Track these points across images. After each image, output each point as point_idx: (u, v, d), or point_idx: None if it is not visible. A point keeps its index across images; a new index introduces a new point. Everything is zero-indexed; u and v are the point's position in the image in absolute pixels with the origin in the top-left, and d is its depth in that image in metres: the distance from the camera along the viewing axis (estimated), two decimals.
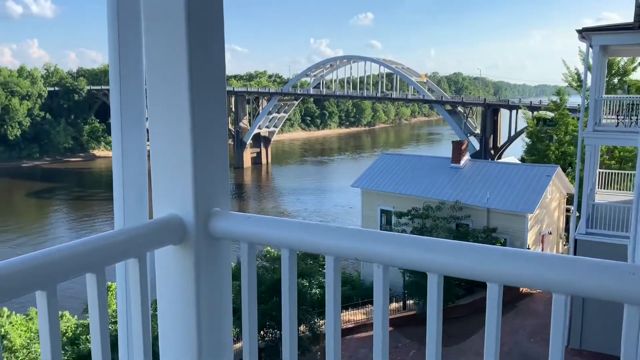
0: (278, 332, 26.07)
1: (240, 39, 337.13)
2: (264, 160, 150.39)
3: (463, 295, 32.26)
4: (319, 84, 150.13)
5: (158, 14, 2.06)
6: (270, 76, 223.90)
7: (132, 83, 2.37)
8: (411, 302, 33.15)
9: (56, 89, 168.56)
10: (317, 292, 28.16)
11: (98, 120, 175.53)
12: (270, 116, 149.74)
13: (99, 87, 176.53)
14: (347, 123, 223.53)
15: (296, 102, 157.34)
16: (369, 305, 31.67)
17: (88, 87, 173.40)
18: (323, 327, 29.09)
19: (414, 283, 31.58)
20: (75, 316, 36.47)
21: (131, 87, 2.37)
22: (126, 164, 2.40)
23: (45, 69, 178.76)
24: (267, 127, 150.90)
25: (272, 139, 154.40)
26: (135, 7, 2.28)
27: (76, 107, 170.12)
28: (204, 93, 2.07)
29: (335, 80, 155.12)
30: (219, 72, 2.15)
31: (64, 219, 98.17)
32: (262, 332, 26.84)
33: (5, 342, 25.84)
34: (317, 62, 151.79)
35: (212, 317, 2.17)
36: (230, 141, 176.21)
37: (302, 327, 27.08)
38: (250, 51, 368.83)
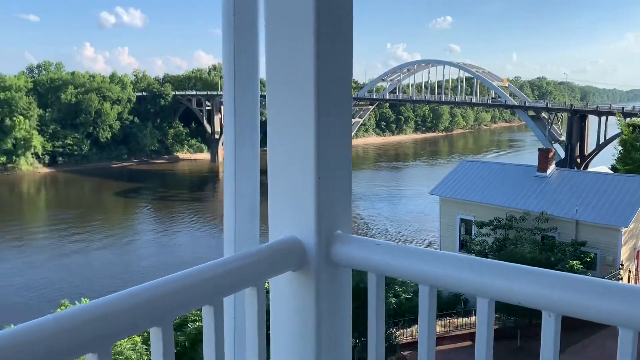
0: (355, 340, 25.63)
1: None
2: None
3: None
4: (395, 88, 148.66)
5: (283, 20, 1.88)
6: None
7: (247, 93, 2.16)
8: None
9: (144, 94, 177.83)
10: (392, 301, 27.53)
11: (182, 125, 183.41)
12: None
13: (183, 93, 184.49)
14: (424, 128, 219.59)
15: (371, 107, 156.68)
16: (446, 318, 30.59)
17: (173, 93, 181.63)
18: (399, 337, 28.33)
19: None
20: None
21: (246, 97, 2.16)
22: (239, 180, 2.19)
23: (134, 75, 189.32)
24: None
25: None
26: (252, 15, 2.10)
27: (162, 111, 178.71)
28: (331, 105, 1.88)
29: (412, 85, 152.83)
30: (345, 83, 1.95)
31: (148, 218, 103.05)
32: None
33: None
34: (393, 67, 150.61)
35: (331, 351, 1.94)
36: None
37: None
38: None
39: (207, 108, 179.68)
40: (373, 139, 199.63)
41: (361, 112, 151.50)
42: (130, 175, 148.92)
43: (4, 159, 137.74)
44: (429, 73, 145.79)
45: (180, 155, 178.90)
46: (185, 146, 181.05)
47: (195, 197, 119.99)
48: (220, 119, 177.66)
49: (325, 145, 1.88)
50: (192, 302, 1.65)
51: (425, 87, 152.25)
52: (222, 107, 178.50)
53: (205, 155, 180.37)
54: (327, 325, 1.91)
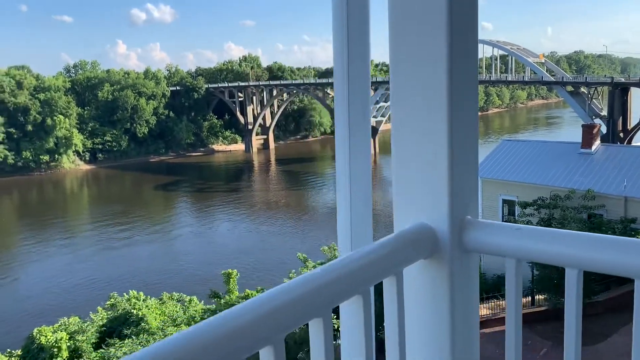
0: None
1: None
2: (371, 150, 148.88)
3: (599, 292, 29.70)
4: None
5: (411, 9, 1.83)
6: (377, 65, 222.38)
7: (360, 81, 2.12)
8: (541, 297, 31.14)
9: (177, 88, 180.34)
10: None
11: (216, 117, 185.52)
12: (378, 105, 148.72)
13: (215, 85, 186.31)
14: None
15: None
16: (493, 300, 30.19)
17: (206, 86, 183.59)
18: None
19: (545, 277, 29.61)
20: (202, 301, 38.66)
21: (358, 86, 2.12)
22: (353, 167, 2.14)
23: (167, 70, 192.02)
24: (375, 116, 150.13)
25: (379, 129, 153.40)
26: (363, 9, 2.08)
27: (196, 104, 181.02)
28: (462, 89, 1.83)
29: None
30: (473, 67, 1.91)
31: (188, 209, 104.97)
32: None
33: (142, 324, 27.83)
34: None
35: (464, 339, 1.92)
36: None
37: None
38: None
39: (240, 99, 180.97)
40: None
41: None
42: (168, 168, 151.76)
43: (47, 157, 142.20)
44: None
45: (216, 147, 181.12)
46: (220, 138, 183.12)
47: (232, 187, 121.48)
48: (253, 110, 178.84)
49: (458, 126, 1.83)
50: (344, 293, 1.61)
51: None
52: (253, 97, 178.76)
53: (240, 146, 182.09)
54: (459, 314, 1.88)
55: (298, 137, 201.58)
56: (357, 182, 2.16)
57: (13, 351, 29.47)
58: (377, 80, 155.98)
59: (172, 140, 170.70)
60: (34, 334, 25.52)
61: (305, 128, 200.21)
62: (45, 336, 23.89)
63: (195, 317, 31.40)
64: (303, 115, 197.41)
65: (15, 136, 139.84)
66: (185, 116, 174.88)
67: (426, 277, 1.88)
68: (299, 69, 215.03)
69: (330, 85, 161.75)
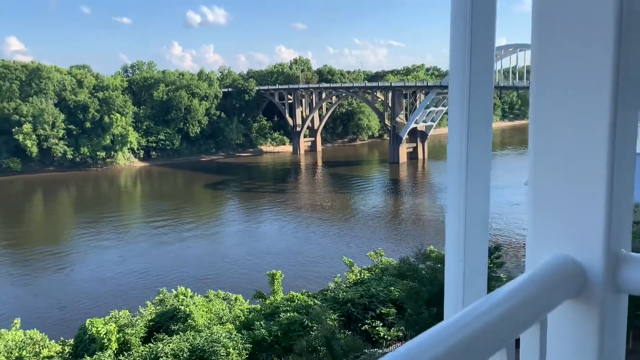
0: None
1: (396, 33, 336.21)
2: (420, 155, 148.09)
3: None
4: None
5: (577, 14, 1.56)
6: (427, 69, 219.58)
7: (482, 88, 1.87)
8: None
9: (229, 89, 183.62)
10: None
11: (265, 118, 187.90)
12: (428, 110, 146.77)
13: (266, 87, 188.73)
14: (511, 116, 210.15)
15: None
16: None
17: (257, 88, 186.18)
18: None
19: None
20: (247, 300, 38.97)
21: (481, 92, 1.87)
22: (470, 186, 1.88)
23: (220, 72, 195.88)
24: (424, 121, 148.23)
25: (428, 134, 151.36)
26: (489, 11, 1.86)
27: (246, 106, 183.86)
28: (626, 98, 1.55)
29: (499, 71, 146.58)
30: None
31: (236, 208, 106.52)
32: None
33: (189, 320, 28.21)
34: None
35: None
36: (385, 136, 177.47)
37: None
38: (406, 45, 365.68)
39: (289, 101, 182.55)
40: None
41: (445, 101, 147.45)
42: (218, 168, 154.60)
43: (103, 154, 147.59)
44: (516, 58, 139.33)
45: (264, 148, 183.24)
46: (269, 139, 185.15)
47: (279, 188, 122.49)
48: (302, 112, 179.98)
49: (621, 146, 1.52)
50: (486, 349, 1.32)
51: (513, 73, 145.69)
52: (302, 100, 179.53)
53: (287, 148, 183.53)
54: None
55: (345, 140, 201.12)
56: (474, 192, 1.88)
57: (66, 340, 30.58)
58: (428, 84, 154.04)
59: (222, 140, 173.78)
60: (87, 324, 26.23)
61: (353, 131, 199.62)
62: (97, 328, 24.55)
63: (239, 316, 31.58)
64: (351, 118, 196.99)
65: (74, 132, 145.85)
66: (236, 117, 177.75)
67: (571, 321, 1.59)
68: (348, 72, 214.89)
69: (380, 89, 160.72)
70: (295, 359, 14.87)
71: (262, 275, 51.47)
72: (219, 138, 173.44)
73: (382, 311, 27.37)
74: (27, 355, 25.88)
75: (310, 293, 30.41)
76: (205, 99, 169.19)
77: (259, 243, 77.56)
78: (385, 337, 25.01)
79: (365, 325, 26.47)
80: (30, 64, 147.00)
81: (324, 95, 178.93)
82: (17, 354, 25.70)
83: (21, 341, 27.39)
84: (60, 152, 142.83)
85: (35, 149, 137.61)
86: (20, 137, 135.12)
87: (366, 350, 19.93)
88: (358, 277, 33.05)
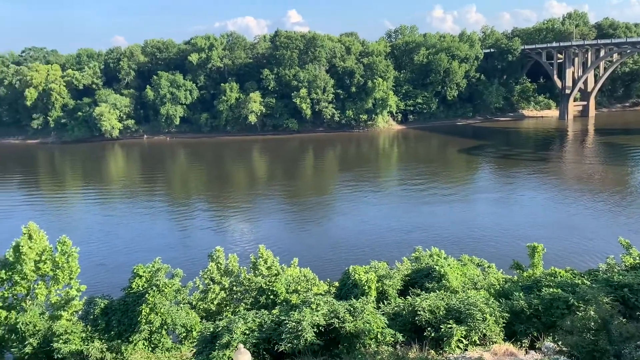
0: None
1: None
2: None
3: None
4: None
5: None
6: None
7: None
8: None
9: (491, 50, 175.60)
10: None
11: (529, 80, 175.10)
12: None
13: (532, 47, 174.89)
14: None
15: None
16: None
17: (521, 47, 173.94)
18: None
19: None
20: (501, 270, 37.67)
21: None
22: None
23: (482, 32, 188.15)
24: None
25: None
26: None
27: (509, 67, 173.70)
28: None
29: None
30: None
31: (490, 175, 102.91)
32: None
33: (444, 281, 28.58)
34: None
35: None
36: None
37: None
38: None
39: (559, 61, 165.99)
40: None
41: None
42: (474, 132, 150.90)
43: (365, 116, 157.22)
44: None
45: (526, 112, 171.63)
46: (532, 103, 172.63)
47: (540, 156, 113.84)
48: (573, 72, 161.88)
49: None
50: None
51: None
52: (575, 59, 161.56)
53: (553, 112, 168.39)
54: None
55: (627, 104, 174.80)
56: None
57: (332, 282, 34.18)
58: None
59: (480, 104, 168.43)
60: (350, 270, 28.66)
61: (637, 94, 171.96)
62: (358, 274, 26.69)
63: (494, 284, 30.76)
64: (636, 78, 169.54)
65: (341, 97, 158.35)
66: (496, 79, 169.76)
67: None
68: (636, 24, 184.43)
69: None
70: (563, 336, 13.79)
71: (518, 246, 49.01)
72: (477, 101, 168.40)
73: None
74: (301, 289, 29.67)
75: (575, 272, 27.80)
76: (465, 61, 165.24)
77: (515, 212, 73.82)
78: None
79: None
80: (307, 34, 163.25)
81: (602, 53, 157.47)
82: (294, 287, 29.56)
83: (297, 277, 31.60)
84: (329, 115, 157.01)
85: (309, 111, 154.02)
86: (298, 101, 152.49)
87: None
88: (637, 262, 28.93)
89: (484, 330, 17.24)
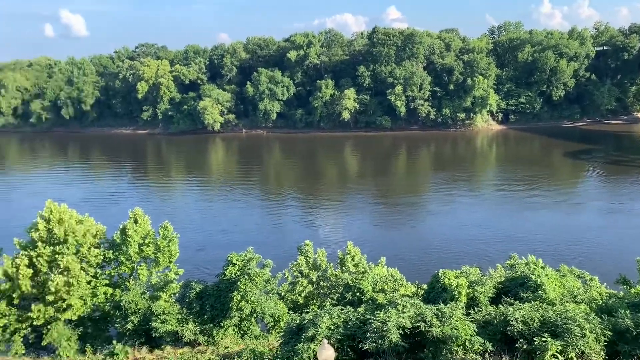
0: None
1: None
2: None
3: None
4: None
5: None
6: None
7: None
8: None
9: (604, 48, 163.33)
10: None
11: None
12: None
13: None
14: None
15: None
16: None
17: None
18: None
19: None
20: (605, 284, 35.04)
21: None
22: None
23: (595, 29, 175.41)
24: None
25: None
26: None
27: (624, 66, 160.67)
28: None
29: None
30: None
31: (597, 182, 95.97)
32: None
33: (540, 291, 27.11)
34: None
35: None
36: None
37: None
38: None
39: None
40: None
41: None
42: (581, 135, 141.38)
43: (463, 115, 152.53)
44: None
45: None
46: None
47: None
48: None
49: None
50: None
51: None
52: None
53: None
54: None
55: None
56: None
57: (420, 284, 33.54)
58: None
59: (589, 105, 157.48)
60: (439, 274, 27.98)
61: None
62: (448, 279, 25.97)
63: (596, 299, 28.74)
64: None
65: (438, 94, 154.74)
66: (609, 79, 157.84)
67: None
68: None
69: None
70: None
71: (624, 261, 45.15)
72: (586, 102, 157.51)
73: None
74: (388, 289, 29.40)
75: None
76: (574, 59, 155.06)
77: (622, 223, 68.27)
78: None
79: None
80: (406, 30, 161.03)
81: None
82: (380, 286, 29.36)
83: (384, 276, 31.34)
84: (425, 112, 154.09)
85: (403, 109, 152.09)
86: (392, 98, 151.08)
87: None
88: None
89: (583, 347, 16.11)
